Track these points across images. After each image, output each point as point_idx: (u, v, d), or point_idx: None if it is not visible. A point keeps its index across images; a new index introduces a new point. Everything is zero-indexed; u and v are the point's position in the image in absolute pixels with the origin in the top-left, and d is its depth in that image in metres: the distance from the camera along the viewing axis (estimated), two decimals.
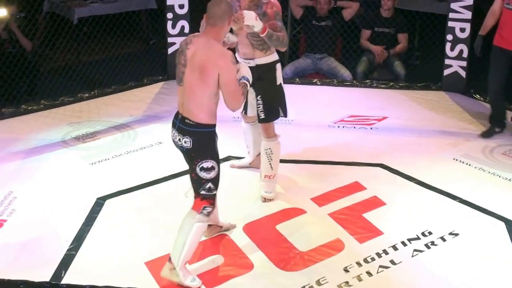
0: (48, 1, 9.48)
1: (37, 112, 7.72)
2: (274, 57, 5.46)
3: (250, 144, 6.08)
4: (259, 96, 5.48)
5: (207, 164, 4.50)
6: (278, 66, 5.49)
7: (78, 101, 8.01)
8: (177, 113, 4.55)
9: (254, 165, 6.11)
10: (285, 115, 5.67)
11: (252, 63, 5.35)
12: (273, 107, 5.53)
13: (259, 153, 5.77)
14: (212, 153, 4.52)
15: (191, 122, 4.43)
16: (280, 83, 5.54)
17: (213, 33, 4.44)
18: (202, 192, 4.57)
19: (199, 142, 4.47)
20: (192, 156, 4.52)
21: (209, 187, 4.56)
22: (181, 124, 4.47)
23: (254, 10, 5.13)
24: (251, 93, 5.50)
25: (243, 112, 5.83)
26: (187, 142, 4.47)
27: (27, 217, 5.47)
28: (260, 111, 5.50)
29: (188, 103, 4.43)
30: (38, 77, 8.30)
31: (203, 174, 4.52)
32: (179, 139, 4.50)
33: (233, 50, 5.41)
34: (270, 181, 5.69)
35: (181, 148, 4.54)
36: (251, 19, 5.02)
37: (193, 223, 4.56)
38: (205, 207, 4.59)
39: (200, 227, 4.60)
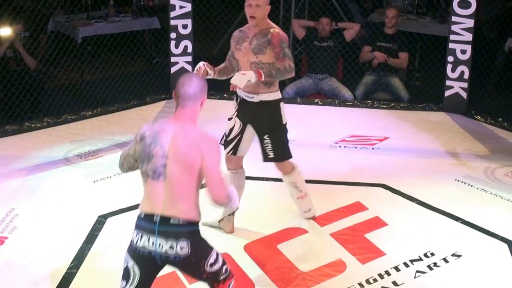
0: (53, 20, 9.46)
1: (41, 129, 7.69)
2: (278, 95, 5.20)
3: None
4: (266, 135, 5.16)
5: (213, 257, 3.77)
6: (282, 104, 5.25)
7: (81, 119, 7.98)
8: (149, 216, 3.69)
9: (222, 225, 5.48)
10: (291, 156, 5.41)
11: (256, 99, 5.12)
12: (283, 145, 5.27)
13: (232, 213, 5.40)
14: (209, 245, 3.81)
15: (180, 222, 3.63)
16: (286, 123, 5.30)
17: (185, 115, 3.76)
18: (222, 277, 3.85)
19: (197, 244, 3.71)
20: (192, 261, 3.70)
21: (225, 269, 3.86)
22: (165, 228, 3.62)
23: (259, 40, 5.03)
24: (250, 132, 5.25)
25: (230, 153, 5.31)
26: (183, 247, 3.63)
27: (29, 234, 5.40)
28: (269, 150, 5.18)
29: (176, 200, 3.66)
30: (42, 95, 8.26)
31: (215, 268, 3.79)
32: (163, 247, 3.63)
33: None
34: (303, 200, 5.55)
35: (168, 258, 3.66)
36: (241, 81, 4.76)
37: None
38: (229, 284, 3.91)
39: None
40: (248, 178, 5.80)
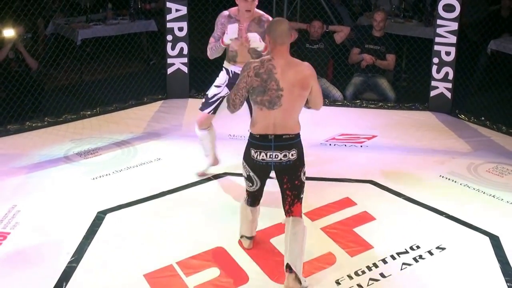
0: (53, 23, 9.47)
1: (41, 129, 7.69)
2: None
3: (209, 147, 6.25)
4: None
5: (305, 168, 4.74)
6: None
7: (81, 118, 7.98)
8: (264, 136, 4.57)
9: (215, 163, 6.41)
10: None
11: None
12: None
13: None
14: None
15: (291, 136, 4.57)
16: None
17: (285, 51, 4.55)
18: (302, 196, 4.75)
19: (301, 151, 4.68)
20: (296, 165, 4.64)
21: (303, 192, 4.77)
22: (279, 143, 4.55)
23: (256, 28, 5.44)
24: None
25: (211, 113, 6.03)
26: (293, 154, 4.60)
27: (30, 230, 5.41)
28: None
29: (286, 121, 4.53)
30: (43, 95, 8.26)
31: (303, 179, 4.74)
32: (278, 157, 4.58)
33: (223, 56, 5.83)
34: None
35: (280, 164, 4.61)
36: (256, 41, 5.33)
37: (304, 228, 4.68)
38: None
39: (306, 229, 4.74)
40: (240, 174, 5.87)
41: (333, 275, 4.84)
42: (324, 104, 8.44)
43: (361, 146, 7.25)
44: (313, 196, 5.88)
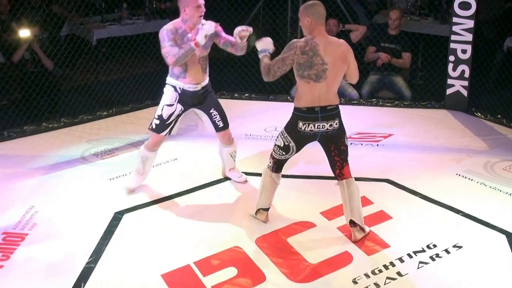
0: (68, 23, 9.52)
1: (58, 129, 7.75)
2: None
3: (148, 168, 6.16)
4: (212, 109, 5.90)
5: (346, 134, 5.29)
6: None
7: (97, 119, 8.04)
8: (310, 108, 5.00)
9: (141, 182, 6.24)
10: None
11: (199, 87, 5.77)
12: (225, 115, 6.00)
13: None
14: None
15: (333, 106, 5.06)
16: None
17: (323, 31, 5.01)
18: (348, 158, 5.32)
19: (341, 120, 5.18)
20: (340, 132, 5.17)
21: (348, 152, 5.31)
22: (325, 113, 5.03)
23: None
24: (202, 114, 6.00)
25: (166, 134, 5.91)
26: (337, 123, 5.11)
27: (48, 230, 5.46)
28: (218, 121, 5.95)
29: (329, 93, 5.00)
30: (59, 96, 8.32)
31: (347, 142, 5.29)
32: (325, 126, 5.05)
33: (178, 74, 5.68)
34: (235, 169, 6.33)
35: (327, 133, 5.09)
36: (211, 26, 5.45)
37: (357, 186, 5.28)
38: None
39: None
40: (257, 174, 5.91)
41: (350, 274, 4.86)
42: (340, 103, 8.46)
43: (377, 145, 7.27)
44: (329, 195, 5.90)
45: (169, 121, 5.78)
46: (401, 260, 5.01)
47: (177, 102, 5.72)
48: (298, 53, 4.91)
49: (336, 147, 5.19)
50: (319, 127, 5.03)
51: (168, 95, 5.74)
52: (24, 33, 8.11)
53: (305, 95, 5.00)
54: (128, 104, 8.38)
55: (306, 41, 4.93)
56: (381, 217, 5.66)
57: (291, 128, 5.13)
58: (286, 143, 5.16)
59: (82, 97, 8.52)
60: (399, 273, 4.86)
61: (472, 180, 6.38)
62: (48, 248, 5.20)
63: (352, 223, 5.25)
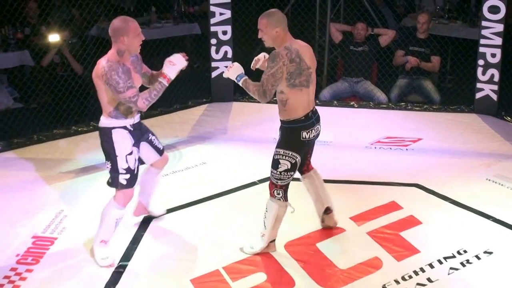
0: (97, 26, 9.56)
1: (87, 133, 7.76)
2: None
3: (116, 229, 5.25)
4: (149, 134, 5.25)
5: None
6: None
7: None
8: (306, 115, 4.87)
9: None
10: None
11: (138, 116, 5.06)
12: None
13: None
14: None
15: (315, 108, 5.00)
16: None
17: (291, 36, 4.86)
18: None
19: None
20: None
21: None
22: (316, 116, 4.97)
23: (137, 64, 5.00)
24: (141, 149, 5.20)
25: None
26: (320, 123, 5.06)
27: (77, 234, 5.46)
28: (158, 144, 5.37)
29: (313, 95, 4.95)
30: (88, 99, 8.34)
31: None
32: (318, 129, 5.01)
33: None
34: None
35: (317, 136, 5.04)
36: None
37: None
38: None
39: None
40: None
41: (380, 279, 4.82)
42: (369, 107, 8.55)
43: (407, 149, 7.22)
44: (358, 200, 5.88)
45: (136, 170, 5.02)
46: (431, 266, 4.96)
47: (133, 146, 4.95)
48: (287, 63, 4.68)
49: (312, 148, 5.25)
50: (316, 130, 4.97)
51: (123, 142, 4.89)
52: (54, 37, 8.16)
53: (299, 104, 4.81)
54: (157, 107, 8.36)
55: (289, 49, 4.72)
56: (411, 222, 5.60)
57: (293, 142, 4.88)
58: (293, 161, 4.88)
59: None
60: (429, 279, 4.80)
61: (502, 185, 6.31)
62: (77, 252, 5.21)
63: (328, 209, 5.37)
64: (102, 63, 4.69)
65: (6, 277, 4.88)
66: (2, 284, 4.80)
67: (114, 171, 4.93)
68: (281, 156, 4.87)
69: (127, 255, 5.16)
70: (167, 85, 4.90)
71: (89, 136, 7.65)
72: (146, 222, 5.64)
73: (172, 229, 5.57)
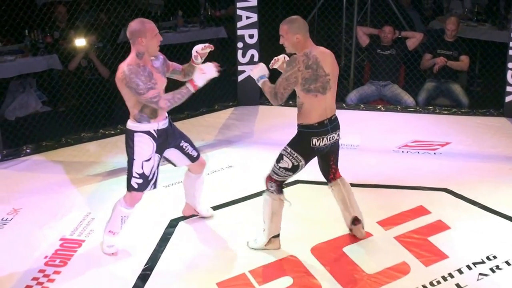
0: (124, 31, 9.57)
1: (114, 136, 7.80)
2: None
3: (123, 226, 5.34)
4: (181, 141, 5.25)
5: None
6: None
7: None
8: (321, 123, 4.87)
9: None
10: None
11: (167, 120, 5.09)
12: (192, 142, 5.40)
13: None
14: None
15: (335, 116, 5.00)
16: None
17: (312, 42, 4.87)
18: None
19: None
20: (338, 141, 5.12)
21: None
22: (333, 124, 4.95)
23: (160, 64, 5.01)
24: (170, 154, 5.30)
25: (152, 188, 5.19)
26: (339, 132, 5.06)
27: None
28: (191, 151, 5.33)
29: (332, 102, 4.95)
30: (116, 103, 8.37)
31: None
32: (334, 137, 4.99)
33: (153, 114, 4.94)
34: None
35: (334, 143, 5.04)
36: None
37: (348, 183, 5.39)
38: None
39: None
40: (310, 182, 5.88)
41: (407, 284, 4.78)
42: (396, 110, 8.50)
43: (435, 153, 7.16)
44: (386, 204, 5.85)
45: (151, 177, 5.06)
46: (460, 271, 4.91)
47: (154, 153, 5.00)
48: (302, 69, 4.73)
49: (335, 156, 5.22)
50: (330, 139, 4.95)
51: (144, 147, 4.96)
52: (80, 42, 8.21)
53: (314, 110, 4.84)
54: (184, 111, 8.36)
55: (307, 55, 4.76)
56: (439, 227, 5.55)
57: (302, 146, 4.93)
58: (296, 163, 4.94)
59: None
60: (458, 285, 4.76)
61: None
62: (104, 255, 5.23)
63: (356, 220, 5.31)
64: (123, 68, 4.75)
65: (34, 278, 4.94)
66: (30, 285, 4.86)
67: (129, 173, 5.04)
68: (286, 153, 4.96)
69: (154, 258, 5.18)
70: (193, 91, 4.87)
71: (116, 139, 7.67)
72: (172, 225, 5.65)
73: (198, 232, 5.57)
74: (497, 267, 4.96)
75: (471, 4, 10.13)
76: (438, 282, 4.79)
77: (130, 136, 4.95)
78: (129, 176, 5.03)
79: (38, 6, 8.93)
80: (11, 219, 5.83)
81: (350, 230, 5.38)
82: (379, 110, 8.57)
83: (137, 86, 4.69)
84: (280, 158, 4.99)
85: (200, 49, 5.16)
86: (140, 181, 5.02)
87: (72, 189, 6.40)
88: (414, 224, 5.59)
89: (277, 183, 5.07)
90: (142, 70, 4.74)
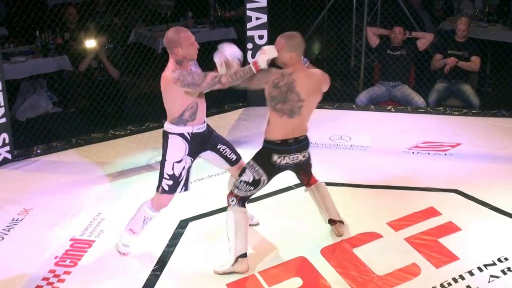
0: (135, 32, 9.61)
1: (124, 137, 7.81)
2: None
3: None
4: (219, 144, 5.21)
5: None
6: None
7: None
8: (284, 141, 4.83)
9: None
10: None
11: (205, 125, 5.12)
12: (232, 145, 5.36)
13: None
14: None
15: (304, 136, 4.93)
16: None
17: (302, 63, 4.84)
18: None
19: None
20: (309, 159, 5.11)
21: None
22: (298, 145, 4.88)
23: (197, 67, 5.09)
24: (207, 155, 5.26)
25: (183, 191, 5.18)
26: (308, 153, 5.03)
27: (114, 238, 5.44)
28: (230, 154, 5.26)
29: (302, 125, 4.87)
30: (126, 103, 8.39)
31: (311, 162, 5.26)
32: (298, 158, 4.93)
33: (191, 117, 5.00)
34: None
35: (298, 164, 5.01)
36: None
37: (324, 185, 5.45)
38: None
39: None
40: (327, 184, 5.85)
41: (418, 286, 4.76)
42: (406, 111, 8.47)
43: (445, 154, 7.13)
44: (396, 205, 5.83)
45: (181, 179, 5.07)
46: (471, 273, 4.89)
47: (187, 155, 5.01)
48: (270, 85, 4.72)
49: (305, 172, 5.26)
50: (293, 159, 4.90)
51: (176, 149, 4.99)
52: (90, 43, 8.23)
53: (278, 128, 4.82)
54: None
55: (282, 75, 4.70)
56: (450, 228, 5.52)
57: (263, 161, 4.90)
58: (257, 177, 4.90)
59: (148, 105, 8.55)
60: (469, 287, 4.74)
61: None
62: (114, 255, 5.23)
63: (332, 221, 5.35)
64: (168, 74, 4.84)
65: (44, 278, 4.94)
66: (41, 285, 4.86)
67: (160, 175, 5.07)
68: (249, 166, 4.94)
69: (164, 258, 5.17)
70: (255, 72, 4.79)
71: (126, 140, 7.71)
72: (182, 225, 5.65)
73: (208, 233, 5.56)
74: (509, 269, 4.94)
75: (482, 4, 10.11)
76: (449, 284, 4.77)
77: (165, 138, 5.03)
78: (160, 178, 5.06)
79: (49, 7, 8.97)
80: (22, 219, 5.84)
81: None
82: (389, 111, 8.54)
83: (193, 79, 4.81)
84: (242, 171, 4.99)
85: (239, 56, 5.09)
86: (170, 182, 5.03)
87: (82, 189, 6.40)
88: (424, 225, 5.57)
89: (238, 197, 4.96)
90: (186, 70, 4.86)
